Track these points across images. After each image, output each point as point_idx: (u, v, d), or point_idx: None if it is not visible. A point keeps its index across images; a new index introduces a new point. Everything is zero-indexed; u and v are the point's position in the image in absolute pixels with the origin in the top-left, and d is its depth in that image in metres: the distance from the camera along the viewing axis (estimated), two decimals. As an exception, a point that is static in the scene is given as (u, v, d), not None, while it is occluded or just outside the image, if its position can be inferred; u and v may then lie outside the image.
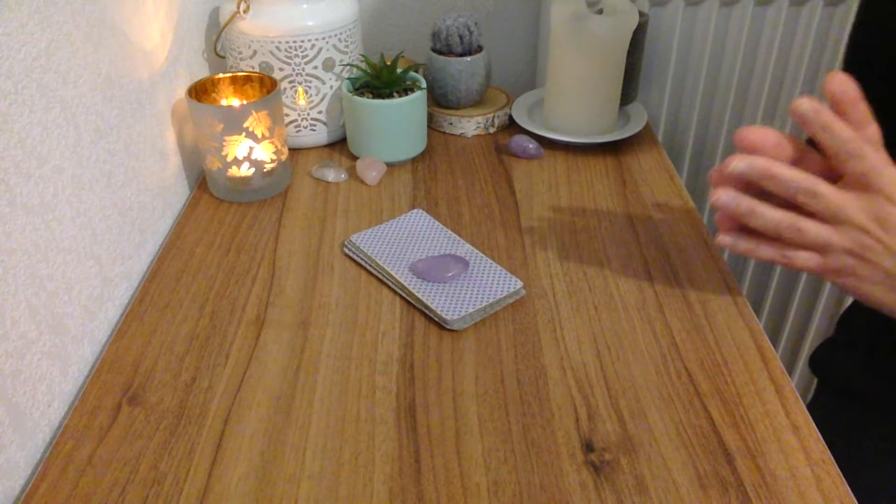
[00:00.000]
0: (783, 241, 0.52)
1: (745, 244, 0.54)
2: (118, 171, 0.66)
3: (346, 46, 0.85)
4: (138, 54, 0.70)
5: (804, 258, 0.51)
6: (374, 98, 0.83)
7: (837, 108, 0.49)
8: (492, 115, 0.92)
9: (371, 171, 0.82)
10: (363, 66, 0.87)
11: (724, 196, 0.52)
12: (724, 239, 0.55)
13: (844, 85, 0.49)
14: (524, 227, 0.74)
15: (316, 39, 0.82)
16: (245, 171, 0.77)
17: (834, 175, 0.51)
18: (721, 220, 0.55)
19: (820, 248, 0.50)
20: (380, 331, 0.61)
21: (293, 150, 0.89)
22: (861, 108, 0.49)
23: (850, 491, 0.47)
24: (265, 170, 0.78)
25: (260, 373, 0.57)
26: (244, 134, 0.75)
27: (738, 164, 0.51)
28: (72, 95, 0.58)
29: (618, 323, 0.61)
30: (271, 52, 0.82)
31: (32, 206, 0.52)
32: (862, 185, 0.48)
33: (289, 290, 0.66)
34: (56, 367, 0.55)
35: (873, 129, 0.49)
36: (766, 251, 0.53)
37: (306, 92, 0.85)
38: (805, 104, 0.49)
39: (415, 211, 0.75)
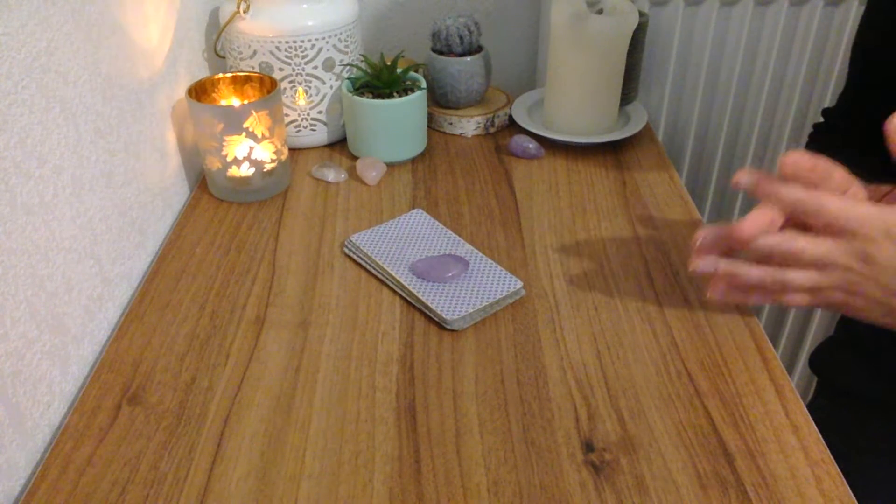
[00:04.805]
0: (767, 289, 0.53)
1: (735, 296, 0.56)
2: (118, 171, 0.66)
3: (346, 46, 0.85)
4: (138, 54, 0.70)
5: (797, 300, 0.53)
6: (374, 98, 0.83)
7: (797, 182, 0.50)
8: (492, 115, 0.92)
9: (371, 171, 0.82)
10: (363, 66, 0.87)
11: (702, 264, 0.54)
12: (714, 295, 0.57)
13: (797, 162, 0.50)
14: (524, 227, 0.74)
15: (316, 39, 0.82)
16: (245, 171, 0.77)
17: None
18: (709, 278, 0.56)
19: (809, 291, 0.52)
20: (380, 331, 0.61)
21: (293, 150, 0.89)
22: (819, 169, 0.50)
23: (850, 491, 0.47)
24: (265, 170, 0.78)
25: (260, 373, 0.57)
26: (244, 134, 0.75)
27: (704, 264, 0.54)
28: (72, 95, 0.58)
29: (618, 323, 0.61)
30: (271, 52, 0.82)
31: (32, 206, 0.52)
32: (834, 232, 0.49)
33: (289, 290, 0.66)
34: (56, 367, 0.55)
35: (838, 176, 0.50)
36: (758, 298, 0.55)
37: (306, 92, 0.85)
38: (744, 179, 0.51)
39: (415, 211, 0.75)
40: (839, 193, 0.50)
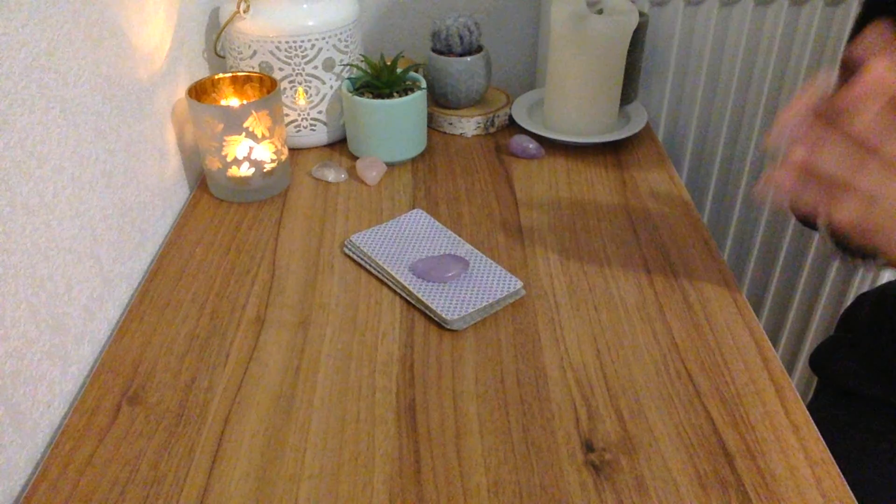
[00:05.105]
0: (832, 187, 0.46)
1: (788, 186, 0.47)
2: (118, 171, 0.66)
3: (346, 46, 0.85)
4: (138, 54, 0.70)
5: (848, 209, 0.45)
6: (374, 98, 0.83)
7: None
8: (492, 115, 0.92)
9: (371, 171, 0.82)
10: (363, 66, 0.87)
11: (777, 140, 0.45)
12: (764, 192, 0.48)
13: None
14: (524, 227, 0.74)
15: (316, 39, 0.82)
16: (245, 171, 0.77)
17: None
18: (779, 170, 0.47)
19: (864, 209, 0.45)
20: (380, 331, 0.61)
21: (293, 150, 0.89)
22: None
23: (850, 491, 0.47)
24: (265, 170, 0.78)
25: (260, 373, 0.57)
26: (244, 134, 0.75)
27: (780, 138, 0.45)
28: (72, 95, 0.58)
29: (618, 323, 0.61)
30: (271, 52, 0.82)
31: (32, 206, 0.52)
32: None
33: (289, 290, 0.66)
34: (56, 367, 0.55)
35: None
36: (810, 196, 0.47)
37: (306, 92, 0.85)
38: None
39: (415, 211, 0.75)
40: None
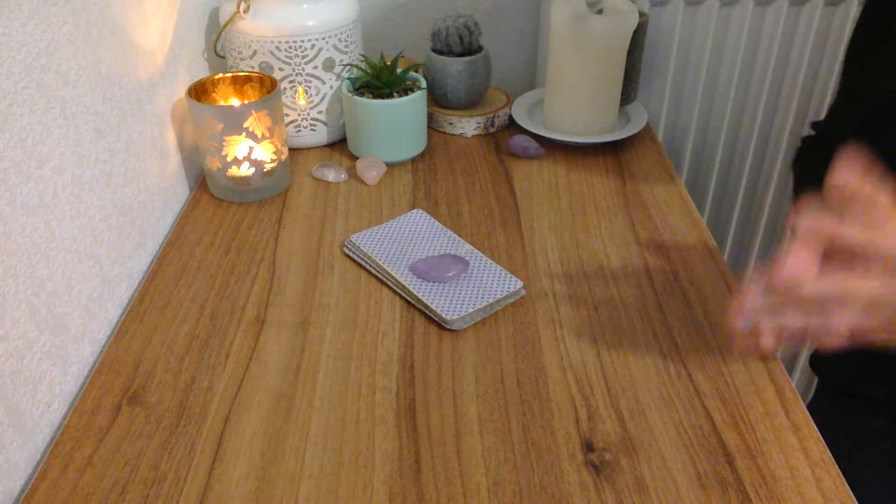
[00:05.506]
0: (821, 311, 0.47)
1: (773, 320, 0.49)
2: (118, 171, 0.66)
3: (346, 46, 0.85)
4: (138, 54, 0.70)
5: (836, 342, 0.47)
6: (374, 98, 0.83)
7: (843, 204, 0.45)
8: (492, 115, 0.92)
9: (371, 171, 0.82)
10: (363, 66, 0.87)
11: (742, 322, 0.49)
12: (744, 351, 0.52)
13: (846, 183, 0.45)
14: (524, 227, 0.74)
15: (316, 39, 0.82)
16: (245, 170, 0.77)
17: None
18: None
19: (851, 333, 0.46)
20: (380, 331, 0.61)
21: (293, 150, 0.89)
22: (865, 192, 0.45)
23: (849, 491, 0.47)
24: (265, 170, 0.78)
25: (260, 373, 0.57)
26: (244, 134, 0.75)
27: (745, 321, 0.48)
28: (72, 95, 0.58)
29: (618, 323, 0.61)
30: (271, 52, 0.82)
31: (32, 206, 0.52)
32: (887, 269, 0.44)
33: (289, 290, 0.66)
34: (56, 367, 0.55)
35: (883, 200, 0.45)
36: (801, 322, 0.48)
37: (306, 92, 0.85)
38: (804, 223, 0.45)
39: (415, 211, 0.75)
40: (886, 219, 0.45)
